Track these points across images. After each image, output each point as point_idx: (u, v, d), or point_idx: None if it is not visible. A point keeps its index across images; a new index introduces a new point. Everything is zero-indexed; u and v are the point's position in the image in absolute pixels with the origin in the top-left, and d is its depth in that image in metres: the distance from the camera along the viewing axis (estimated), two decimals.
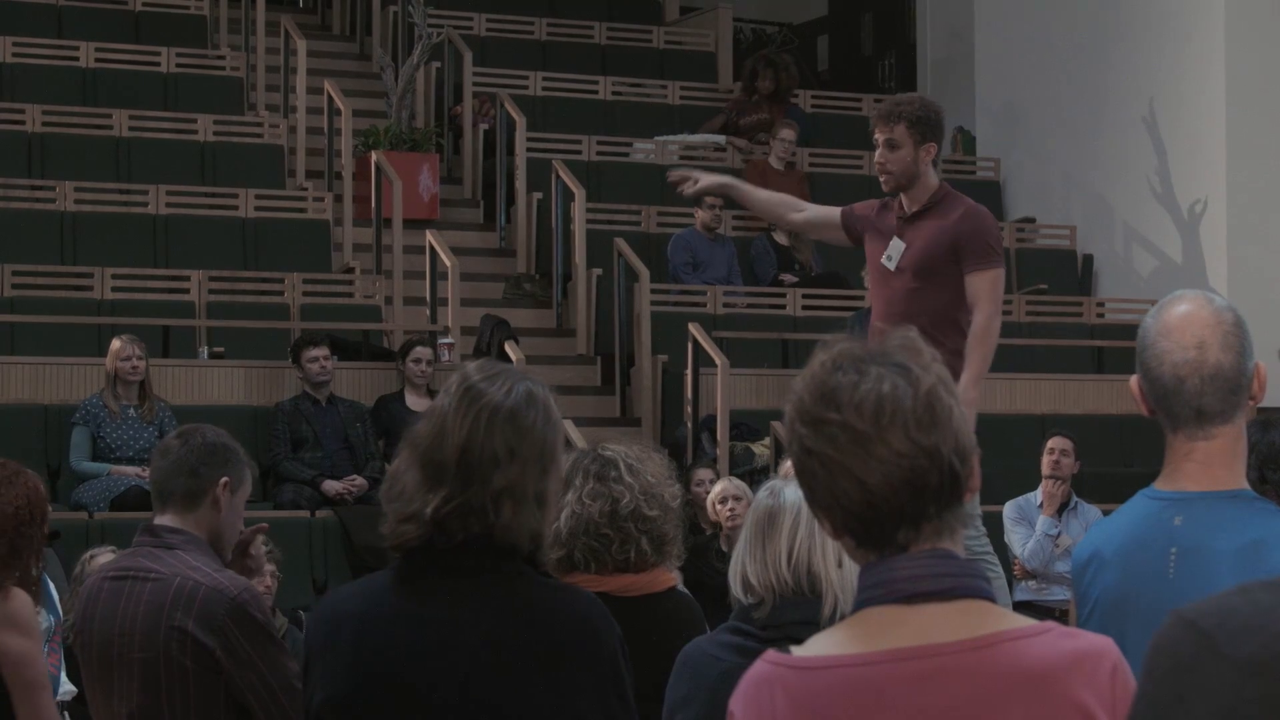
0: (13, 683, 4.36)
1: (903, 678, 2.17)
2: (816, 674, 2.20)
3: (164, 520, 4.20)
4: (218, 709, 4.03)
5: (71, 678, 7.01)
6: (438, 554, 3.02)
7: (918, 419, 2.18)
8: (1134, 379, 3.12)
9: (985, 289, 6.57)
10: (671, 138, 15.27)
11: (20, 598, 4.40)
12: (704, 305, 13.11)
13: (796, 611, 3.70)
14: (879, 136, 6.68)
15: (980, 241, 6.63)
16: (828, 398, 2.19)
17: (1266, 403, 11.75)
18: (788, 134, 14.57)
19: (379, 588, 3.11)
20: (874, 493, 2.18)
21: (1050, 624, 2.25)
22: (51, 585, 7.42)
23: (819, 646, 2.24)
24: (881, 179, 6.73)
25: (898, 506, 2.18)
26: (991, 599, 2.23)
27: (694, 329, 12.09)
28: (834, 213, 6.99)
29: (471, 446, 3.00)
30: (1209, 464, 3.05)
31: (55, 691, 7.13)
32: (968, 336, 6.57)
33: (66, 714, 7.39)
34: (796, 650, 2.24)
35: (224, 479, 4.19)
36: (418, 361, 11.24)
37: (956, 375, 6.55)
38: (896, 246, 6.69)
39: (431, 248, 12.69)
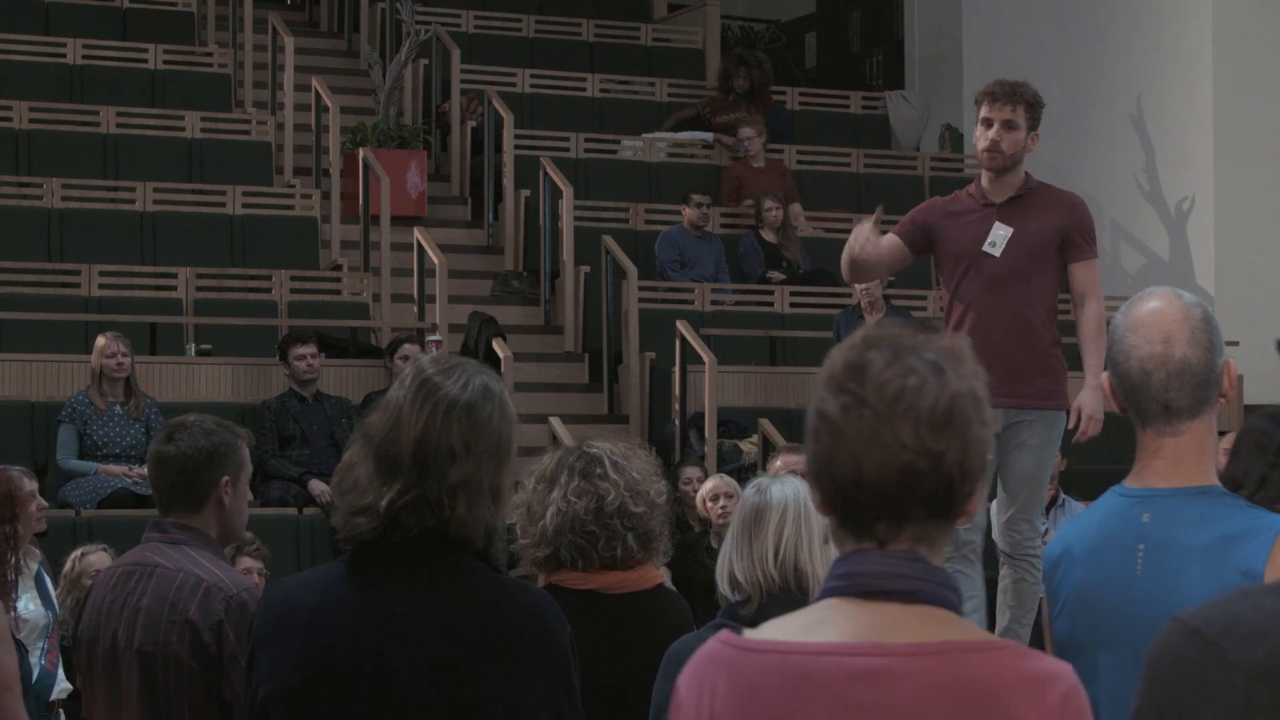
0: None
1: (841, 672, 2.14)
2: (759, 656, 2.18)
3: (171, 517, 4.19)
4: (212, 707, 4.01)
5: (69, 674, 6.99)
6: (392, 547, 3.01)
7: (932, 419, 2.14)
8: (1104, 375, 3.13)
9: (1096, 279, 6.66)
10: (659, 135, 15.26)
11: None
12: (692, 302, 13.10)
13: (783, 608, 3.69)
14: (994, 116, 6.59)
15: (1089, 232, 6.70)
16: (856, 370, 2.17)
17: (1268, 399, 11.61)
18: (746, 131, 14.57)
19: (331, 579, 3.09)
20: (865, 475, 2.15)
21: (1009, 642, 2.20)
22: (49, 582, 7.40)
23: (771, 630, 2.22)
24: (988, 157, 6.61)
25: (884, 497, 2.15)
26: (957, 611, 2.18)
27: (682, 326, 12.08)
28: (894, 240, 6.71)
29: (427, 440, 2.97)
30: (1178, 461, 3.05)
31: (51, 689, 7.12)
32: (1080, 327, 6.61)
33: (61, 711, 7.38)
34: (749, 633, 2.22)
35: (224, 478, 4.17)
36: (406, 359, 11.22)
37: (1059, 365, 6.56)
38: (1001, 232, 6.56)
39: (419, 245, 12.67)
